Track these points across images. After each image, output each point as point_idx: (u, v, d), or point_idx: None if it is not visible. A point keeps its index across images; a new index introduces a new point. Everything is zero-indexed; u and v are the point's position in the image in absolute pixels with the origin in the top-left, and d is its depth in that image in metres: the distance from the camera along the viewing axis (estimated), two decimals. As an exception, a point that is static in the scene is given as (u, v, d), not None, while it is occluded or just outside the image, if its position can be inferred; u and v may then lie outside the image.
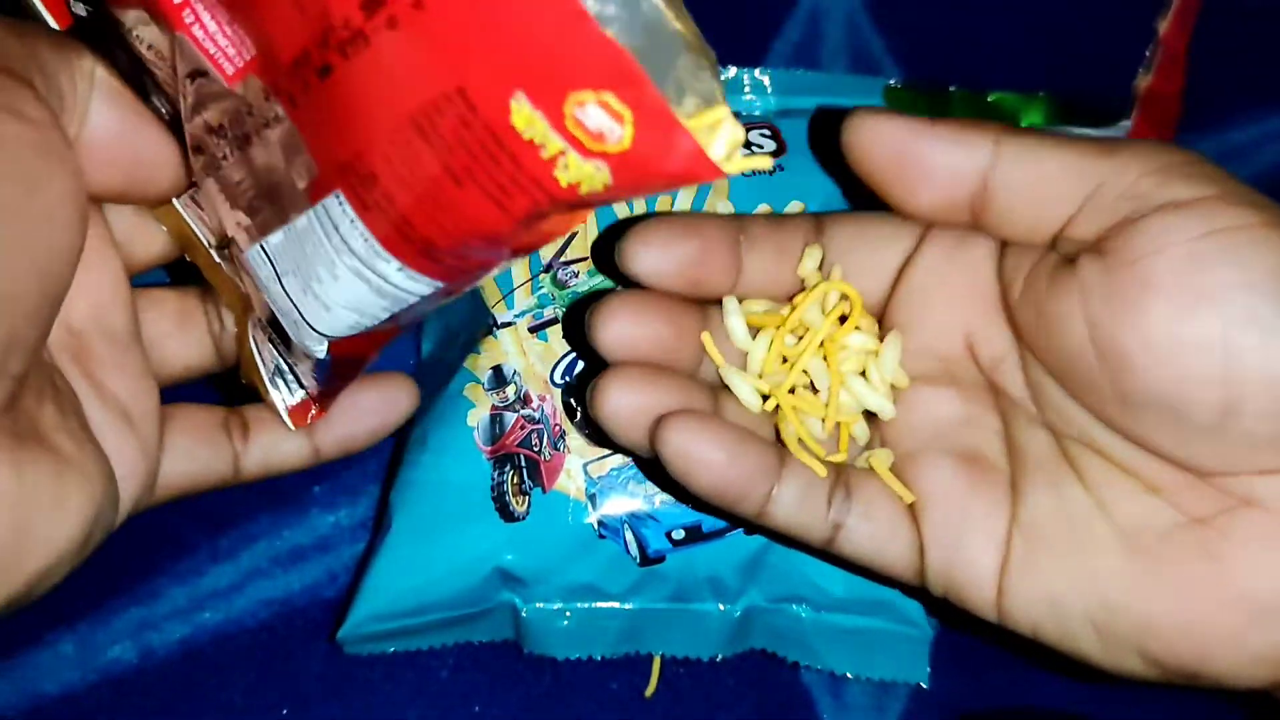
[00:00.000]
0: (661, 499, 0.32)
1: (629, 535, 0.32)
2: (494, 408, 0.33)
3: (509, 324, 0.33)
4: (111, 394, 0.26)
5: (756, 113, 0.38)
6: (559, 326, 0.33)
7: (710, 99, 0.17)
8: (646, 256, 0.27)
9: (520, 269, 0.34)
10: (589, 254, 0.34)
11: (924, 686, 0.34)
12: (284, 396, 0.29)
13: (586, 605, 0.32)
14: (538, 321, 0.33)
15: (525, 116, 0.18)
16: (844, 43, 0.43)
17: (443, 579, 0.32)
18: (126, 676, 0.34)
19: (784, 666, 0.35)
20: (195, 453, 0.28)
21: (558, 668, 0.35)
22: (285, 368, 0.28)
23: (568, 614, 0.32)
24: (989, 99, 0.40)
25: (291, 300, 0.24)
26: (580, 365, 0.33)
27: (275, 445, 0.29)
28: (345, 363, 0.26)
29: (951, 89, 0.40)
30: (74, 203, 0.23)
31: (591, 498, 0.32)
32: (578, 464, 0.32)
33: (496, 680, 0.35)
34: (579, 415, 0.32)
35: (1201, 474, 0.25)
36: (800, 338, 0.28)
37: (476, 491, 0.32)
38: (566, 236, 0.34)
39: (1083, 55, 0.43)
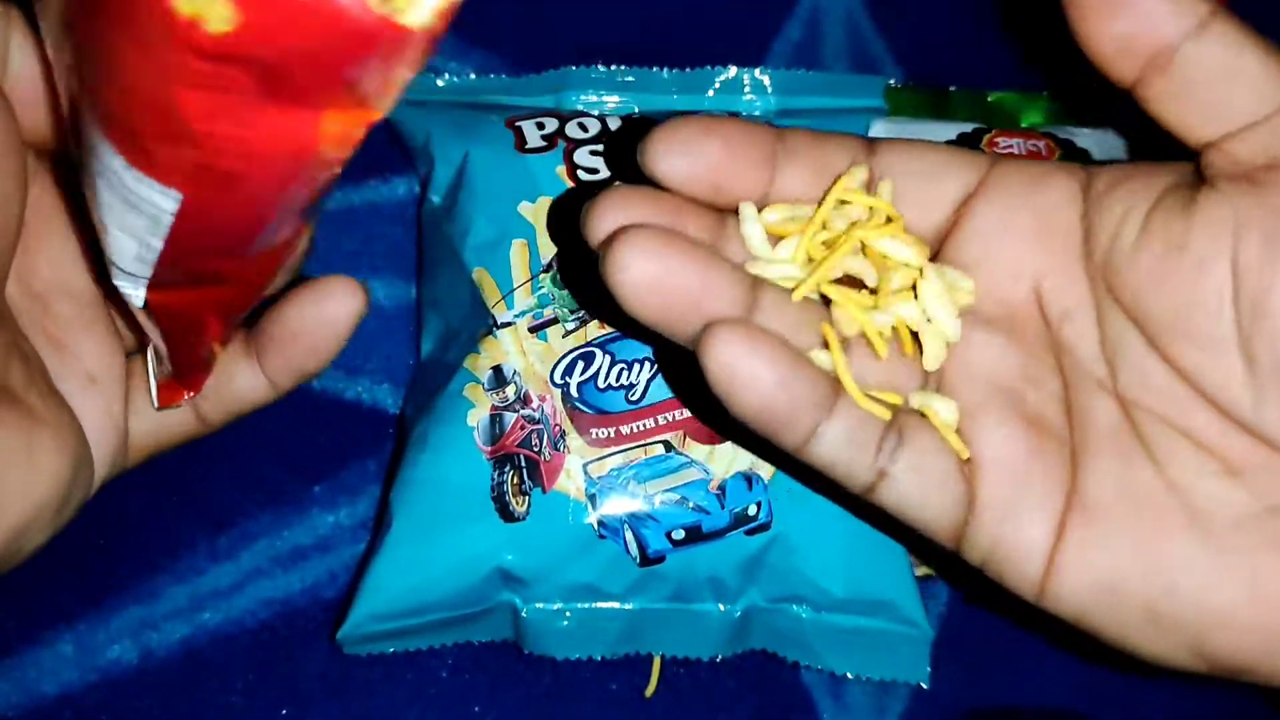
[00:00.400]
0: (661, 499, 0.32)
1: (629, 535, 0.32)
2: (494, 408, 0.33)
3: (509, 324, 0.33)
4: (76, 357, 0.25)
5: (757, 113, 0.38)
6: (558, 326, 0.33)
7: None
8: (669, 155, 0.24)
9: (520, 268, 0.34)
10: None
11: (924, 687, 0.34)
12: (153, 374, 0.27)
13: (586, 605, 0.32)
14: (538, 321, 0.33)
15: None
16: (844, 43, 0.42)
17: (443, 579, 0.32)
18: (126, 677, 0.34)
19: (784, 667, 0.34)
20: (155, 411, 0.27)
21: (557, 668, 0.34)
22: (154, 347, 0.27)
23: (568, 614, 0.32)
24: (989, 99, 0.41)
25: (103, 230, 0.23)
26: (580, 365, 0.33)
27: (227, 385, 0.28)
28: (173, 321, 0.25)
29: (951, 89, 0.41)
30: (11, 151, 0.22)
31: (591, 498, 0.32)
32: (578, 464, 0.32)
33: (496, 680, 0.35)
34: (574, 287, 0.29)
35: None
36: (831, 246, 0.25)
37: (476, 491, 0.32)
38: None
39: (1083, 55, 0.43)
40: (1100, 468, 0.24)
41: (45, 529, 0.24)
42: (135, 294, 0.23)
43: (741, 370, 0.23)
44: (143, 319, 0.25)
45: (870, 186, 0.26)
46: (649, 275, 0.23)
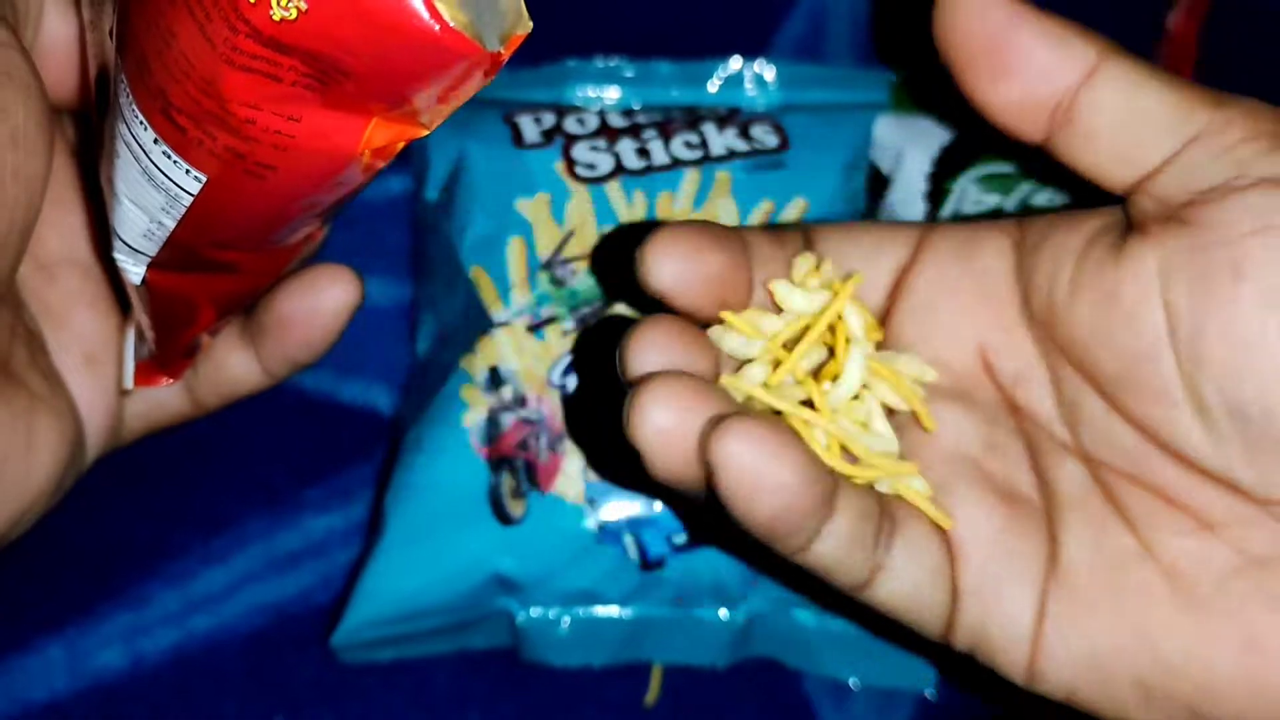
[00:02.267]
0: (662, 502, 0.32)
1: (629, 539, 0.32)
2: (491, 409, 0.32)
3: (505, 323, 0.33)
4: (77, 333, 0.25)
5: (759, 107, 0.37)
6: (557, 325, 0.33)
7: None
8: (670, 268, 0.24)
9: (518, 266, 0.34)
10: (587, 253, 0.34)
11: (929, 695, 0.33)
12: (131, 353, 0.27)
13: (585, 611, 0.32)
14: (536, 320, 0.33)
15: None
16: (848, 36, 0.42)
17: (438, 584, 0.32)
18: (116, 683, 0.34)
19: (786, 674, 0.34)
20: (151, 391, 0.27)
21: (556, 675, 0.34)
22: (137, 324, 0.26)
23: (566, 620, 0.32)
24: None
25: (114, 200, 0.22)
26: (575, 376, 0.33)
27: (221, 370, 0.28)
28: (167, 304, 0.24)
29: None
30: (42, 128, 0.22)
31: (591, 501, 0.32)
32: (576, 466, 0.32)
33: (494, 688, 0.34)
34: (584, 436, 0.30)
35: (1264, 502, 0.22)
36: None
37: (472, 495, 0.32)
38: (564, 235, 0.34)
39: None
40: (1074, 536, 0.23)
41: (39, 511, 0.24)
42: (134, 270, 0.23)
43: (763, 473, 0.21)
44: (135, 297, 0.24)
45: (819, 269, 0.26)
46: (668, 430, 0.22)
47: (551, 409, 0.32)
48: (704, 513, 0.23)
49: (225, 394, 0.28)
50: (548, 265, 0.34)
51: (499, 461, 0.32)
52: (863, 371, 0.24)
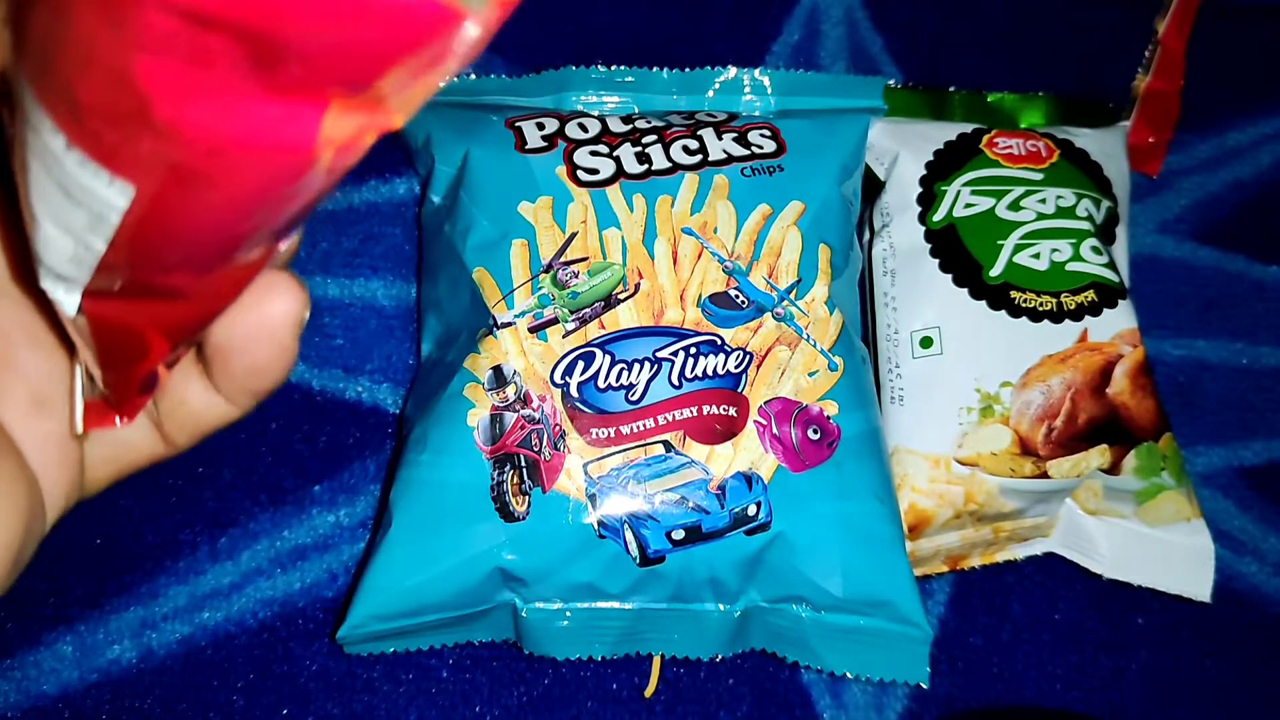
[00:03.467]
0: (661, 499, 0.32)
1: (629, 535, 0.32)
2: (494, 408, 0.33)
3: (509, 324, 0.33)
4: (20, 375, 0.21)
5: (756, 113, 0.38)
6: (559, 326, 0.33)
7: None
8: None
9: (520, 269, 0.34)
10: (588, 254, 0.34)
11: (924, 686, 0.34)
12: (80, 392, 0.23)
13: (586, 605, 0.32)
14: (538, 321, 0.33)
15: None
16: (843, 43, 0.42)
17: (442, 579, 0.32)
18: (126, 677, 0.34)
19: (783, 667, 0.34)
20: (115, 432, 0.23)
21: (558, 668, 0.34)
22: (83, 361, 0.23)
23: (568, 614, 0.32)
24: (988, 99, 0.41)
25: (31, 221, 0.19)
26: (580, 365, 0.33)
27: (182, 406, 0.24)
28: (111, 337, 0.20)
29: (950, 89, 0.41)
30: None
31: (591, 498, 0.32)
32: (578, 464, 0.32)
33: (496, 680, 0.35)
34: None
35: None
36: None
37: (476, 491, 0.32)
38: (566, 238, 0.34)
39: (1082, 55, 0.43)
40: None
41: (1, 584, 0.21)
42: (66, 300, 0.19)
43: None
44: (72, 331, 0.21)
45: None
46: None
47: (553, 408, 0.33)
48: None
49: (193, 431, 0.24)
50: (550, 268, 0.34)
51: (502, 459, 0.32)
52: None
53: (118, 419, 0.23)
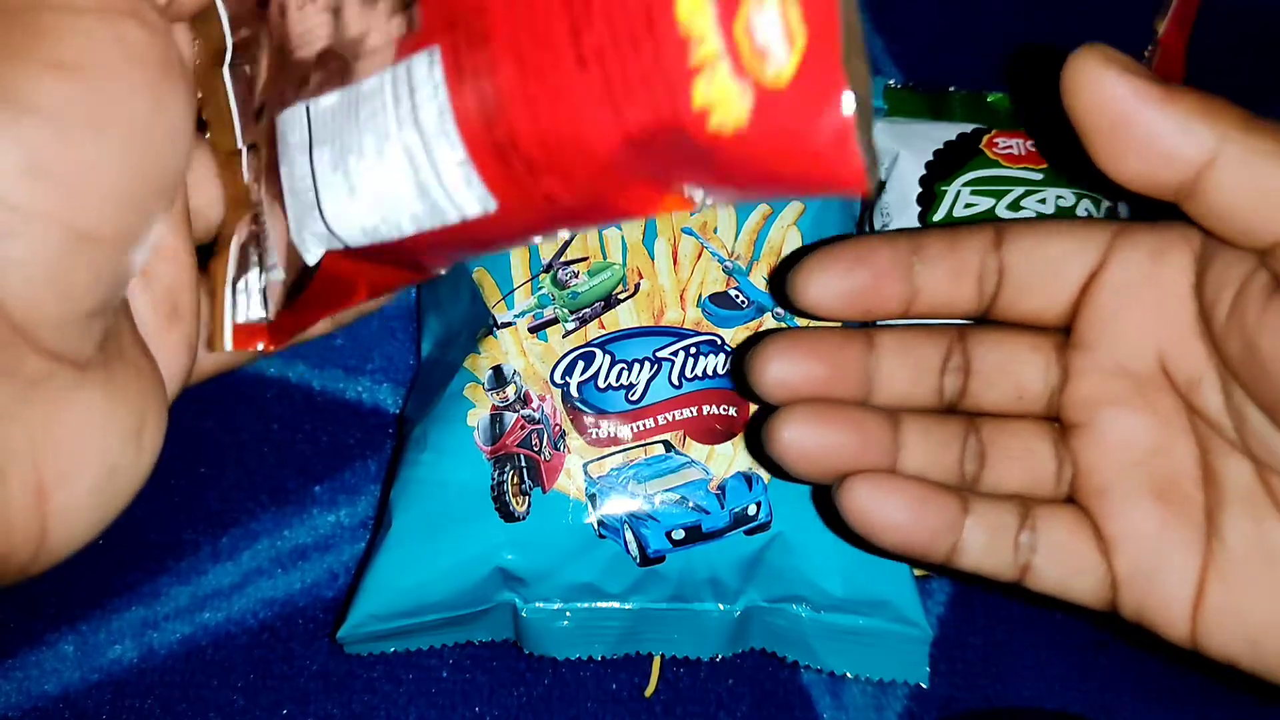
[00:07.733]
0: (661, 499, 0.32)
1: (629, 535, 0.32)
2: (494, 407, 0.33)
3: (509, 324, 0.33)
4: (162, 286, 0.23)
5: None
6: (559, 326, 0.33)
7: (866, 99, 0.15)
8: (816, 288, 0.27)
9: (520, 269, 0.34)
10: (588, 254, 0.34)
11: (924, 686, 0.34)
12: (238, 311, 0.25)
13: (586, 605, 0.32)
14: (538, 321, 0.33)
15: (695, 2, 0.15)
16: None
17: (443, 578, 0.32)
18: (127, 676, 0.34)
19: (783, 666, 0.35)
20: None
21: (558, 668, 0.35)
22: (255, 279, 0.24)
23: (568, 614, 0.32)
24: (988, 99, 0.41)
25: (314, 176, 0.20)
26: (580, 365, 0.33)
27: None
28: (328, 287, 0.22)
29: (951, 89, 0.41)
30: (190, 121, 0.20)
31: (591, 498, 0.32)
32: (578, 464, 0.32)
33: (497, 680, 0.35)
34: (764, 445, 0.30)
35: None
36: None
37: (476, 491, 0.32)
38: (565, 238, 0.34)
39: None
40: (1235, 528, 0.25)
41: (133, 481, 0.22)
42: (313, 252, 0.21)
43: (875, 516, 0.26)
44: (284, 268, 0.22)
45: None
46: (809, 449, 0.27)
47: (553, 408, 0.33)
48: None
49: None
50: (550, 268, 0.34)
51: (502, 459, 0.32)
52: None
53: (261, 343, 0.24)
